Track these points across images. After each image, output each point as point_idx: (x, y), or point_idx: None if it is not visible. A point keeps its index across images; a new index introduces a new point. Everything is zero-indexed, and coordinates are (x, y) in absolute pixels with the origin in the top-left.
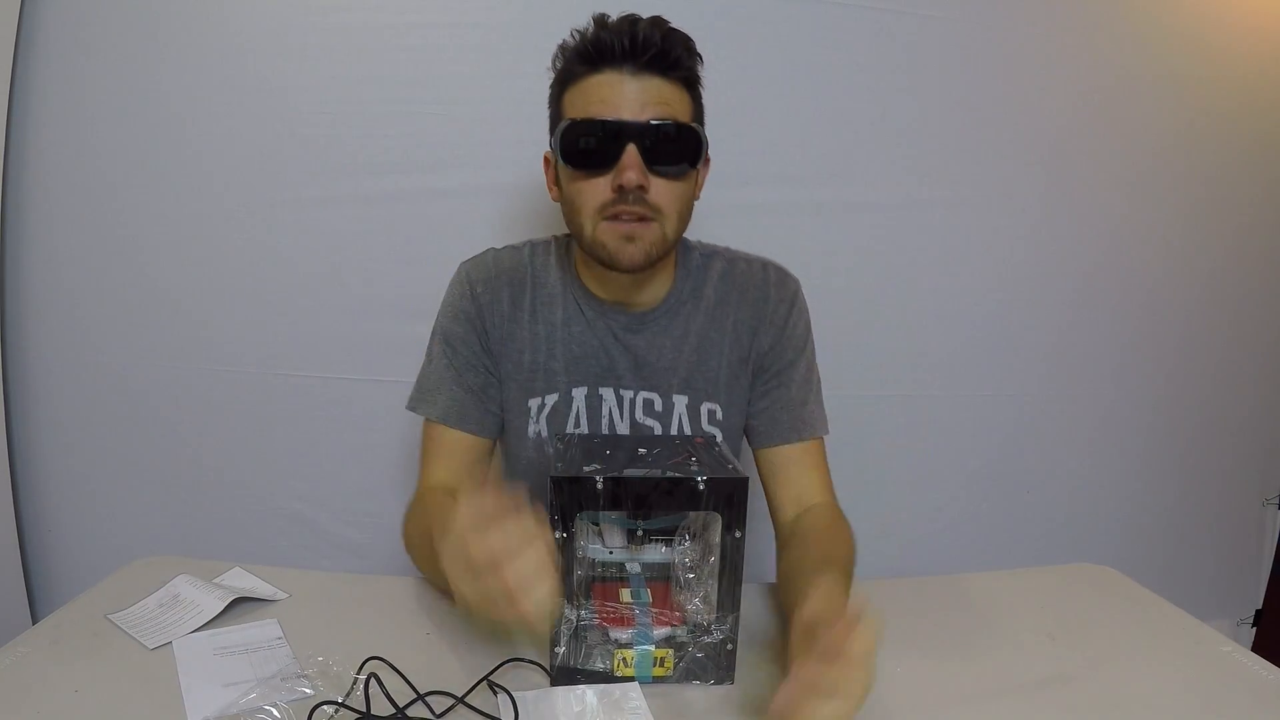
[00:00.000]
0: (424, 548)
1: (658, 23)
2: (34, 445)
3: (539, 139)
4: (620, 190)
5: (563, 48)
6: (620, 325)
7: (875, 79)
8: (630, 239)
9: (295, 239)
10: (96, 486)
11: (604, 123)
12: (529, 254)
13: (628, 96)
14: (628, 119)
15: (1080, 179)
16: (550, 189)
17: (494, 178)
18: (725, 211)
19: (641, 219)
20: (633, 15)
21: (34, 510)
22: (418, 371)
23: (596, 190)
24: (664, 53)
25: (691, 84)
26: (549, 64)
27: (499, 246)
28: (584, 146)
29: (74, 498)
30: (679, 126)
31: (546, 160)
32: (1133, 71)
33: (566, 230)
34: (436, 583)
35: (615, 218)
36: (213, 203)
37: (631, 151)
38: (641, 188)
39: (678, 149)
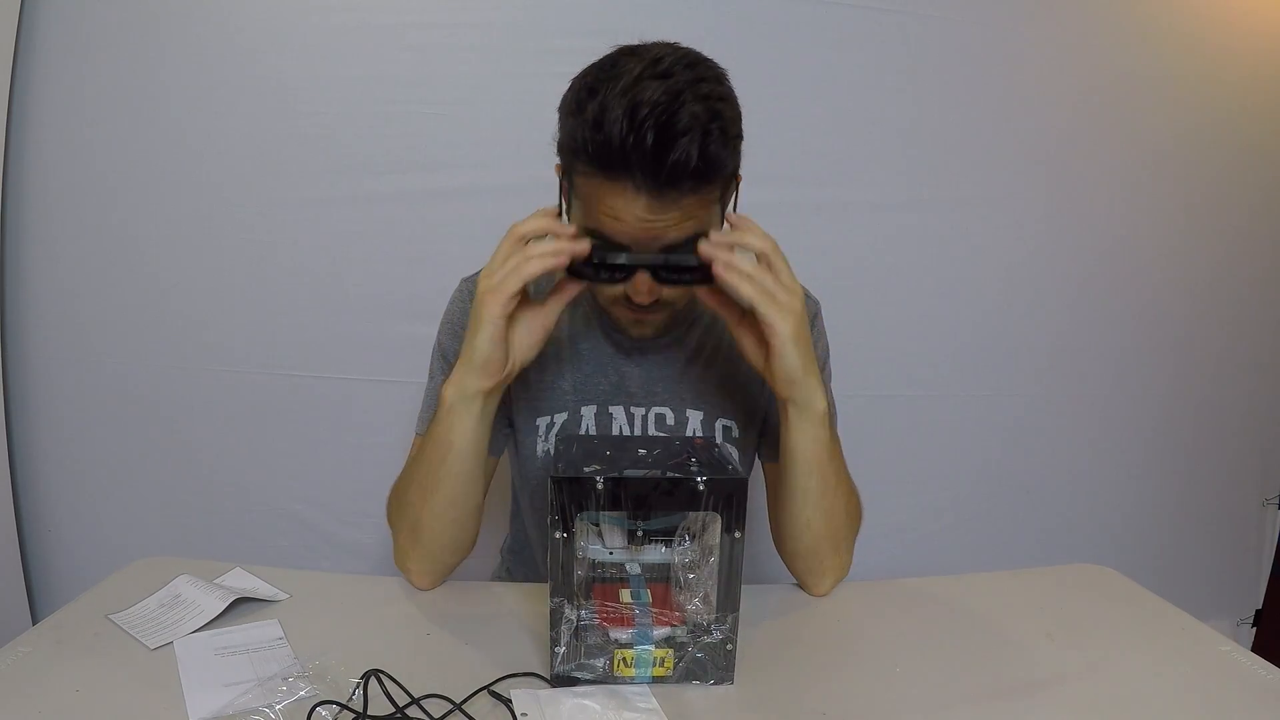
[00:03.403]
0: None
1: (694, 123)
2: (34, 445)
3: (539, 140)
4: (629, 298)
5: (571, 131)
6: (631, 340)
7: (875, 79)
8: (640, 323)
9: (295, 239)
10: (96, 486)
11: (616, 245)
12: None
13: (645, 222)
14: (643, 247)
15: (1081, 179)
16: (563, 201)
17: (494, 178)
18: None
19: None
20: (663, 107)
21: (34, 510)
22: (422, 382)
23: (607, 286)
24: (697, 172)
25: (729, 175)
26: (560, 127)
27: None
28: (595, 259)
29: (74, 498)
30: (699, 235)
31: (558, 169)
32: (1133, 72)
33: None
34: (410, 508)
35: (630, 309)
36: (213, 203)
37: (643, 278)
38: (656, 301)
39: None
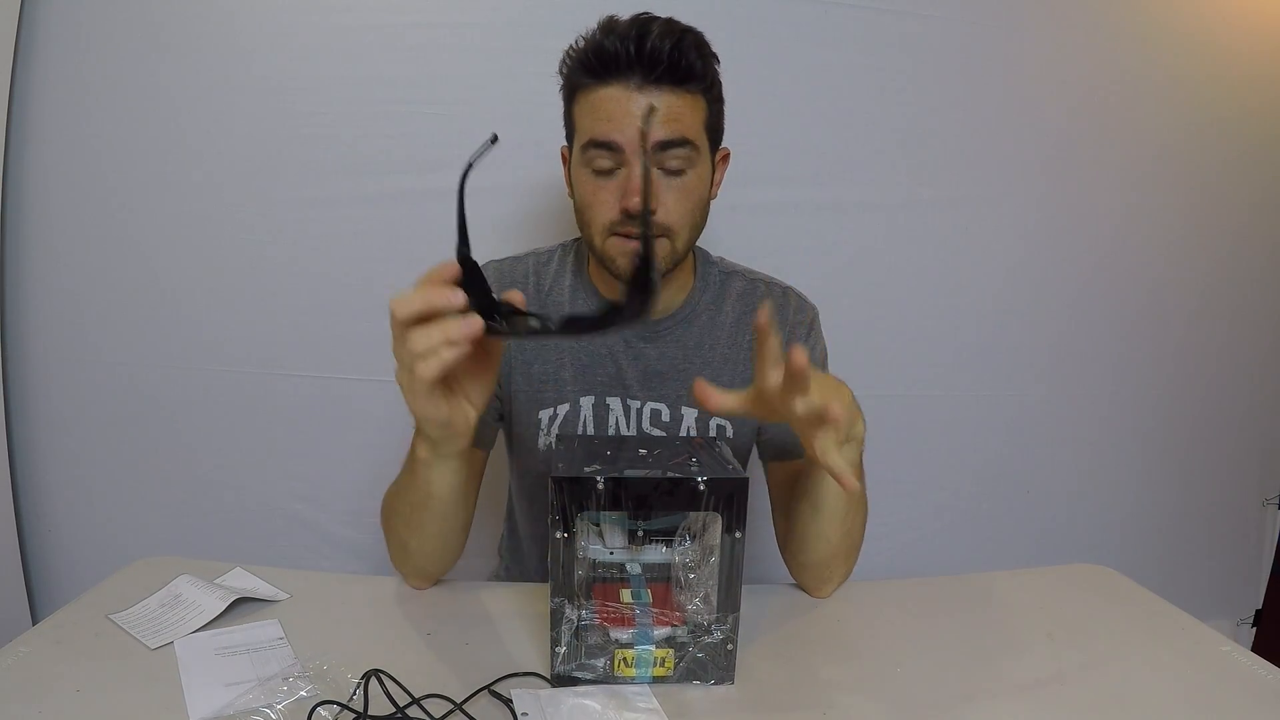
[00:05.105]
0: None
1: (669, 29)
2: (34, 445)
3: (539, 140)
4: (625, 212)
5: (569, 52)
6: (631, 333)
7: (875, 79)
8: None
9: (295, 239)
10: (96, 486)
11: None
12: (533, 265)
13: (634, 114)
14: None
15: (1080, 179)
16: (568, 185)
17: (494, 178)
18: (725, 211)
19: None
20: (643, 18)
21: (34, 510)
22: None
23: (604, 206)
24: (674, 65)
25: (707, 89)
26: (557, 67)
27: (499, 258)
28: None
29: (74, 498)
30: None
31: (564, 157)
32: (1133, 72)
33: (576, 234)
34: (398, 525)
35: (623, 235)
36: (213, 203)
37: (637, 174)
38: (652, 213)
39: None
